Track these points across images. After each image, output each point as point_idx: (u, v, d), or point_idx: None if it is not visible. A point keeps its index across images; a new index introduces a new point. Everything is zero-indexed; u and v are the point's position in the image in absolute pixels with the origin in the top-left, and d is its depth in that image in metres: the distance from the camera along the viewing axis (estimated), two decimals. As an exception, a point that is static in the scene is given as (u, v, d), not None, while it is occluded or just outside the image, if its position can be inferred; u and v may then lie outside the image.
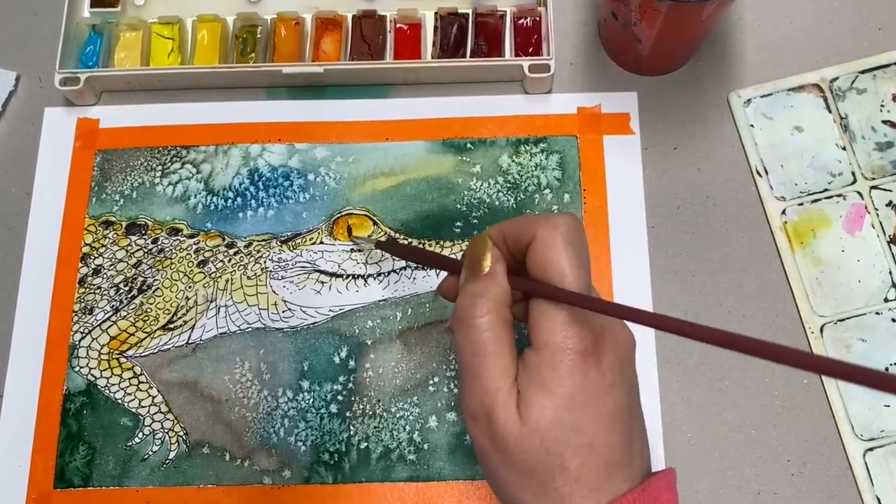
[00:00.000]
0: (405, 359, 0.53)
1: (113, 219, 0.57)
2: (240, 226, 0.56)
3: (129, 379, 0.54)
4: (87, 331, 0.55)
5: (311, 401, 0.53)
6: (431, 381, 0.53)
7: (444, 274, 0.43)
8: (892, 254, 0.53)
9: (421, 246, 0.55)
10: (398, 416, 0.52)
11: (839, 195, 0.55)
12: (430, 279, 0.54)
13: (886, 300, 0.53)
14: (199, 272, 0.55)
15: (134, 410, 0.53)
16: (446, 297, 0.43)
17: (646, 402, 0.51)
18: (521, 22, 0.58)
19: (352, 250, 0.55)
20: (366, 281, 0.54)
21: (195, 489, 0.51)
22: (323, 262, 0.55)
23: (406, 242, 0.55)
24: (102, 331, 0.55)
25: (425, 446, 0.52)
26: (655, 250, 0.54)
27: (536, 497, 0.36)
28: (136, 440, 0.53)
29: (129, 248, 0.56)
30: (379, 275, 0.54)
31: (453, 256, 0.54)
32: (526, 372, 0.37)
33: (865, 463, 0.50)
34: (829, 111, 0.56)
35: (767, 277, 0.54)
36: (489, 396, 0.36)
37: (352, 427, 0.52)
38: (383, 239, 0.55)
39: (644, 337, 0.52)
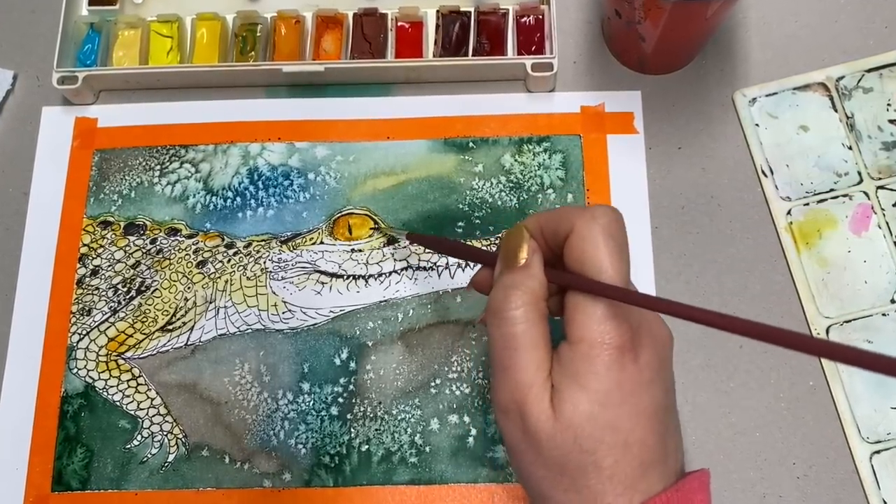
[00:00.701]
0: (407, 360, 0.53)
1: (111, 219, 0.57)
2: (239, 226, 0.56)
3: (128, 381, 0.54)
4: (85, 332, 0.55)
5: (311, 403, 0.53)
6: (433, 383, 0.53)
7: (477, 267, 0.44)
8: (899, 254, 0.53)
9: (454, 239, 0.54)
10: (399, 418, 0.52)
11: (845, 195, 0.55)
12: (432, 280, 0.54)
13: (893, 301, 0.53)
14: (199, 273, 0.55)
15: (132, 413, 0.53)
16: (480, 289, 0.43)
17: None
18: (523, 20, 0.58)
19: (388, 242, 0.55)
20: (367, 281, 0.55)
21: (194, 492, 0.52)
22: (323, 262, 0.55)
23: (399, 242, 0.55)
24: (100, 332, 0.55)
25: (427, 449, 0.52)
26: (659, 251, 0.54)
27: (568, 494, 0.36)
28: (135, 443, 0.53)
29: (128, 248, 0.56)
30: (380, 275, 0.55)
31: (448, 258, 0.54)
32: (560, 366, 0.36)
33: (872, 466, 0.50)
34: (835, 110, 0.56)
35: (773, 278, 0.54)
36: (522, 391, 0.36)
37: (353, 429, 0.52)
38: (385, 239, 0.55)
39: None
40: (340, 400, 0.53)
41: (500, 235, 0.55)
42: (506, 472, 0.51)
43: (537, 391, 0.36)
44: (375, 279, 0.55)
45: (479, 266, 0.44)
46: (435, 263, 0.54)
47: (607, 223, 0.37)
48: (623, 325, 0.36)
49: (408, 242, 0.54)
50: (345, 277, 0.55)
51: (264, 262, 0.55)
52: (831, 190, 0.55)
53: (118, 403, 0.53)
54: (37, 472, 0.52)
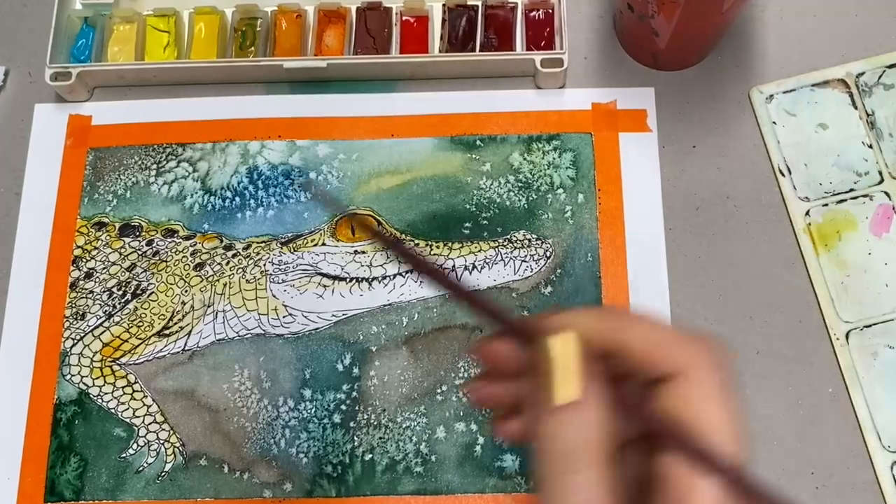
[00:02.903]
0: (412, 366, 0.53)
1: (106, 220, 0.57)
2: (238, 227, 0.57)
3: (123, 387, 0.54)
4: (78, 337, 0.55)
5: (313, 410, 0.53)
6: (439, 390, 0.53)
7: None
8: (922, 257, 0.54)
9: (440, 266, 0.50)
10: (404, 426, 0.52)
11: (865, 195, 0.55)
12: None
13: (915, 305, 0.53)
14: (196, 276, 0.56)
15: (128, 420, 0.53)
16: (485, 361, 0.33)
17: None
18: (532, 14, 0.59)
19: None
20: (370, 284, 0.55)
21: (192, 503, 0.52)
22: (325, 264, 0.55)
23: (423, 254, 0.55)
24: (95, 337, 0.55)
25: (433, 458, 0.52)
26: (673, 253, 0.55)
27: None
28: (131, 451, 0.53)
29: (123, 250, 0.57)
30: (384, 278, 0.55)
31: (455, 260, 0.54)
32: None
33: (893, 475, 0.50)
34: (855, 107, 0.57)
35: (791, 282, 0.54)
36: None
37: (356, 438, 0.52)
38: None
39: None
40: (343, 407, 0.53)
41: (507, 237, 0.55)
42: (514, 481, 0.51)
43: None
44: (379, 282, 0.55)
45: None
46: (441, 266, 0.55)
47: (729, 375, 0.29)
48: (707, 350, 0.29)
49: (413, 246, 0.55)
50: (347, 280, 0.55)
51: (264, 265, 0.56)
52: (851, 190, 0.55)
53: (113, 411, 0.54)
54: (29, 482, 0.53)
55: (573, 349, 0.29)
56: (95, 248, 0.57)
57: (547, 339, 0.29)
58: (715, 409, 0.28)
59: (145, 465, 0.53)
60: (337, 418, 0.53)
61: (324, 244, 0.56)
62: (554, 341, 0.29)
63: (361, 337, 0.54)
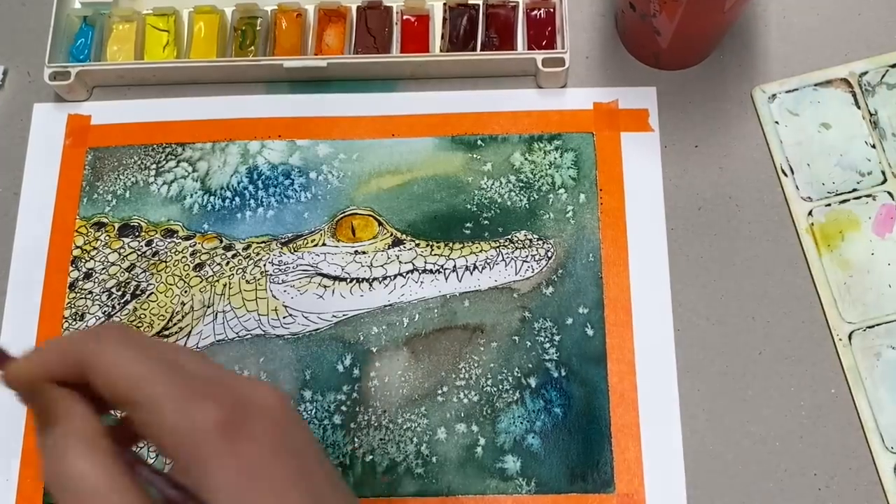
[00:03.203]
0: (412, 367, 0.54)
1: (105, 220, 0.57)
2: (238, 227, 0.57)
3: (122, 388, 0.54)
4: (77, 337, 0.55)
5: (313, 411, 0.53)
6: (440, 391, 0.53)
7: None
8: (925, 257, 0.54)
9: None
10: (405, 427, 0.53)
11: (868, 195, 0.55)
12: (439, 283, 0.55)
13: (919, 306, 0.53)
14: (196, 276, 0.56)
15: (127, 421, 0.53)
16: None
17: (665, 412, 0.52)
18: (534, 13, 0.59)
19: (394, 244, 0.55)
20: (371, 285, 0.55)
21: (192, 504, 0.52)
22: (325, 264, 0.55)
23: (405, 244, 0.55)
24: (94, 337, 0.55)
25: (434, 459, 0.52)
26: (675, 254, 0.55)
27: None
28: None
29: (122, 250, 0.57)
30: (385, 278, 0.55)
31: (456, 260, 0.55)
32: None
33: (897, 477, 0.50)
34: (858, 107, 0.57)
35: (793, 282, 0.54)
36: None
37: (356, 439, 0.52)
38: (389, 240, 0.56)
39: (663, 344, 0.53)
40: (343, 408, 0.53)
41: (508, 237, 0.55)
42: (515, 483, 0.51)
43: None
44: (380, 282, 0.55)
45: None
46: (442, 266, 0.55)
47: (121, 335, 0.32)
48: (212, 395, 0.31)
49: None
50: (348, 280, 0.55)
51: (264, 265, 0.56)
52: (854, 190, 0.55)
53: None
54: (28, 483, 0.53)
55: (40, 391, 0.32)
56: (94, 248, 0.57)
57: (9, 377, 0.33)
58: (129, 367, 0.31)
59: (145, 466, 0.53)
60: (337, 419, 0.53)
61: (324, 244, 0.56)
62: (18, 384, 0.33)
63: (362, 338, 0.54)
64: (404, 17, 0.59)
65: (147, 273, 0.56)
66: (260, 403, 0.32)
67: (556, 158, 0.57)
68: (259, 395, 0.32)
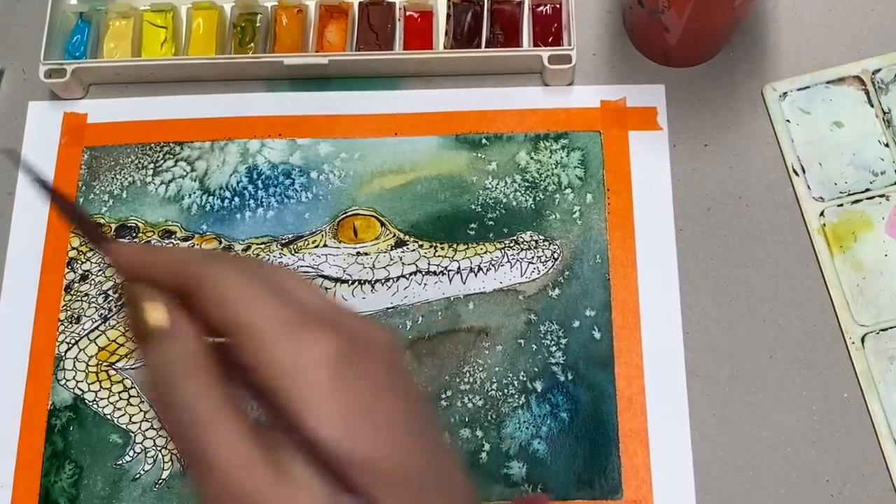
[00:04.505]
0: (415, 371, 0.54)
1: (101, 220, 0.58)
2: (237, 228, 0.57)
3: (119, 393, 0.54)
4: (73, 341, 0.55)
5: (314, 416, 0.53)
6: (444, 395, 0.53)
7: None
8: (939, 258, 0.54)
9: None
10: (408, 432, 0.53)
11: (882, 195, 0.55)
12: (442, 285, 0.55)
13: (933, 308, 0.53)
14: (194, 278, 0.56)
15: (124, 426, 0.54)
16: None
17: (674, 417, 0.52)
18: (540, 9, 0.59)
19: (396, 245, 0.56)
20: (373, 287, 0.55)
21: (191, 510, 0.52)
22: (327, 266, 0.56)
23: (408, 245, 0.56)
24: (90, 341, 0.55)
25: (438, 465, 0.52)
26: (684, 255, 0.55)
27: None
28: (127, 458, 0.53)
29: (119, 251, 0.57)
30: (387, 280, 0.55)
31: (460, 262, 0.55)
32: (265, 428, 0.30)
33: (911, 483, 0.51)
34: (871, 105, 0.57)
35: (805, 284, 0.54)
36: (233, 474, 0.29)
37: (358, 444, 0.53)
38: (392, 241, 0.56)
39: (672, 347, 0.53)
40: (345, 413, 0.53)
41: (513, 238, 0.56)
42: (521, 489, 0.51)
43: (251, 469, 0.29)
44: (382, 284, 0.55)
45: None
46: (446, 268, 0.55)
47: (237, 259, 0.32)
48: (326, 327, 0.31)
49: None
50: (350, 282, 0.55)
51: (264, 267, 0.56)
52: (867, 190, 0.56)
53: (109, 417, 0.54)
54: (22, 490, 0.53)
55: (137, 297, 0.31)
56: (91, 249, 0.57)
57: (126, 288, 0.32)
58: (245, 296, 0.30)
59: (142, 472, 0.53)
60: (339, 424, 0.53)
61: (325, 245, 0.56)
62: (127, 289, 0.32)
63: (364, 341, 0.54)
64: (407, 13, 0.60)
65: (144, 275, 0.56)
66: (374, 341, 0.32)
67: (562, 158, 0.57)
68: (373, 334, 0.32)
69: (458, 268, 0.55)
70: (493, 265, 0.55)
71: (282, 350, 0.30)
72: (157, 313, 0.31)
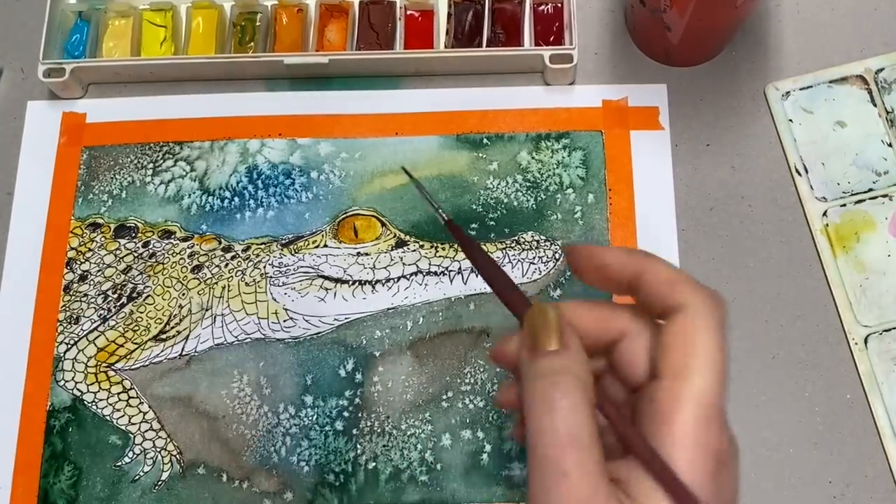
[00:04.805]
0: (416, 372, 0.54)
1: (100, 220, 0.58)
2: (237, 228, 0.57)
3: (118, 394, 0.55)
4: (72, 342, 0.55)
5: (314, 417, 0.53)
6: (445, 396, 0.53)
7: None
8: (943, 259, 0.54)
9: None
10: (409, 433, 0.53)
11: (885, 195, 0.55)
12: (443, 286, 0.55)
13: (936, 309, 0.53)
14: (194, 278, 0.56)
15: (123, 428, 0.54)
16: (501, 363, 0.38)
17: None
18: (541, 8, 0.59)
19: (397, 245, 0.56)
20: (373, 287, 0.55)
21: (190, 512, 0.52)
22: (327, 266, 0.56)
23: (409, 245, 0.56)
24: (89, 342, 0.55)
25: (438, 466, 0.52)
26: (686, 255, 0.55)
27: None
28: (126, 460, 0.53)
29: (118, 252, 0.57)
30: (388, 280, 0.55)
31: (461, 262, 0.55)
32: (637, 477, 0.32)
33: (914, 484, 0.51)
34: (874, 105, 0.57)
35: (807, 284, 0.54)
36: (588, 498, 0.31)
37: (359, 446, 0.53)
38: (393, 241, 0.56)
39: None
40: (346, 414, 0.53)
41: (515, 238, 0.56)
42: (522, 490, 0.52)
43: (603, 499, 0.31)
44: (383, 285, 0.55)
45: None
46: (447, 268, 0.55)
47: (726, 314, 0.34)
48: (723, 429, 0.33)
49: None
50: (350, 283, 0.55)
51: (264, 267, 0.56)
52: (870, 190, 0.56)
53: (108, 418, 0.54)
54: (21, 491, 0.53)
55: (545, 313, 0.34)
56: (90, 249, 0.57)
57: (528, 309, 0.35)
58: (708, 339, 0.33)
59: (141, 473, 0.53)
60: (339, 425, 0.53)
61: (326, 246, 0.56)
62: (531, 310, 0.35)
63: (364, 341, 0.55)
64: (408, 12, 0.60)
65: (144, 275, 0.57)
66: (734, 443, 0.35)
67: (563, 157, 0.57)
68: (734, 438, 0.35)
69: (459, 268, 0.55)
70: (494, 265, 0.55)
71: (703, 341, 0.33)
72: (555, 334, 0.34)
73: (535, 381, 0.33)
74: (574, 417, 0.32)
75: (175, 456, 0.53)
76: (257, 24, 0.60)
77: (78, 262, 0.57)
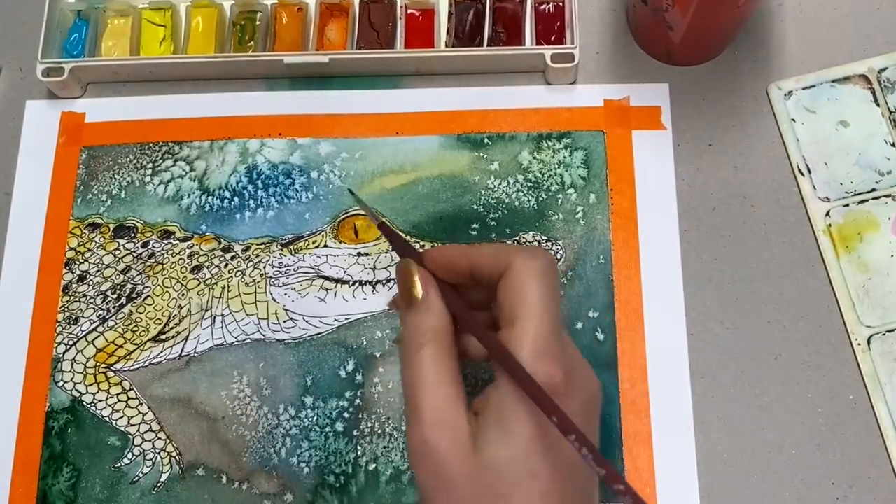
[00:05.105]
0: (417, 373, 0.54)
1: (100, 221, 0.58)
2: (237, 228, 0.57)
3: (118, 395, 0.55)
4: (71, 342, 0.56)
5: (314, 418, 0.53)
6: (446, 397, 0.53)
7: None
8: (946, 259, 0.54)
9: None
10: (410, 434, 0.53)
11: (888, 195, 0.55)
12: (444, 286, 0.55)
13: (940, 309, 0.53)
14: (193, 278, 0.56)
15: (122, 429, 0.54)
16: (392, 308, 0.47)
17: (678, 419, 0.52)
18: (542, 7, 0.59)
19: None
20: (374, 287, 0.55)
21: (190, 514, 0.52)
22: (327, 267, 0.56)
23: (413, 242, 0.56)
24: (88, 342, 0.56)
25: (439, 468, 0.52)
26: (688, 255, 0.55)
27: None
28: (125, 461, 0.53)
29: (118, 252, 0.57)
30: (388, 280, 0.55)
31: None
32: (487, 408, 0.39)
33: (917, 486, 0.51)
34: (878, 104, 0.57)
35: (810, 285, 0.54)
36: (433, 429, 0.38)
37: (359, 447, 0.53)
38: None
39: (676, 349, 0.53)
40: (346, 415, 0.53)
41: (516, 238, 0.56)
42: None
43: (448, 429, 0.38)
44: (384, 285, 0.55)
45: None
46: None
47: (546, 265, 0.40)
48: (554, 367, 0.38)
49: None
50: (350, 283, 0.56)
51: (264, 267, 0.56)
52: (873, 190, 0.56)
53: (107, 419, 0.54)
54: (19, 492, 0.53)
55: (406, 268, 0.42)
56: (89, 249, 0.57)
57: (399, 264, 0.43)
58: (532, 288, 0.39)
59: (140, 475, 0.53)
60: (340, 427, 0.53)
61: (326, 246, 0.56)
62: (397, 266, 0.43)
63: (365, 342, 0.55)
64: (408, 11, 0.60)
65: (143, 275, 0.57)
66: (584, 381, 0.41)
67: (565, 157, 0.57)
68: (585, 375, 0.41)
69: (460, 268, 0.55)
70: (495, 266, 0.55)
71: (527, 290, 0.40)
72: (420, 286, 0.41)
73: (402, 331, 0.42)
74: (425, 362, 0.39)
75: (174, 457, 0.53)
76: (257, 23, 0.60)
77: (77, 263, 0.57)
